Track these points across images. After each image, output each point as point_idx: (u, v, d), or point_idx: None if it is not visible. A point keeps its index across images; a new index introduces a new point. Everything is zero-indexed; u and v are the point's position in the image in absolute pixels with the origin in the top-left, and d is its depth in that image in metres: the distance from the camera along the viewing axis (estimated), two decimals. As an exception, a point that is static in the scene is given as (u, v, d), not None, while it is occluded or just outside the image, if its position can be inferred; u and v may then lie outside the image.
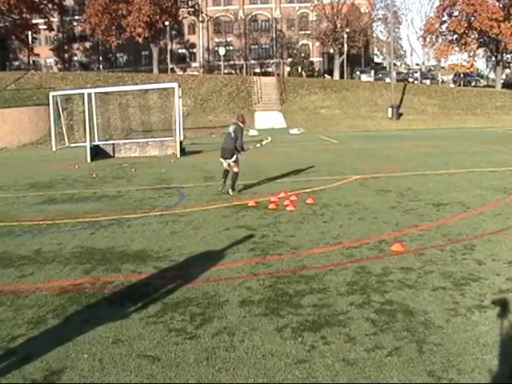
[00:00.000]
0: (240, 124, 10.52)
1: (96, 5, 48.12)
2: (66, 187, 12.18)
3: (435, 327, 3.97)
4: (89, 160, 18.45)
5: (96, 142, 20.58)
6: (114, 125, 32.59)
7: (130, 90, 34.32)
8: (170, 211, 8.85)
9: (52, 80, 40.23)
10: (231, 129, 10.49)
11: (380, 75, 51.62)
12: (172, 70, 57.56)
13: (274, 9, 64.00)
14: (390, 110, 36.44)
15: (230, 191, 10.25)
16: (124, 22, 48.47)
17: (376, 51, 72.29)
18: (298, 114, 37.55)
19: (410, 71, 60.59)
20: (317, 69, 60.47)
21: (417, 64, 78.64)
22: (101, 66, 64.40)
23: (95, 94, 21.94)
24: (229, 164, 10.48)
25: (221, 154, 10.56)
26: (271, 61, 63.92)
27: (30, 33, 52.94)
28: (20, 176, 14.84)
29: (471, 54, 49.87)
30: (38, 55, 57.39)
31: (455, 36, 48.83)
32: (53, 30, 56.87)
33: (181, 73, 58.07)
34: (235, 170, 10.38)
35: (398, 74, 52.62)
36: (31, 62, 56.78)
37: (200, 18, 57.48)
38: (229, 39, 63.42)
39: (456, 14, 48.55)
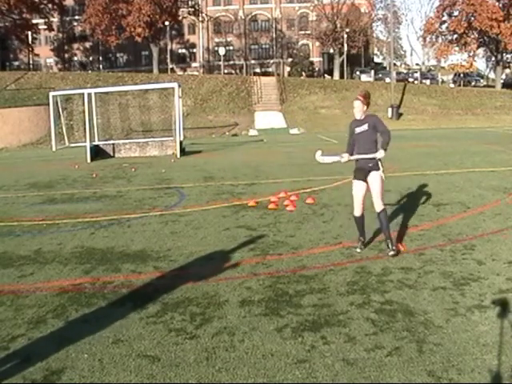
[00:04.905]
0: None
1: (96, 5, 48.21)
2: (66, 187, 12.18)
3: (435, 327, 3.97)
4: (89, 160, 18.46)
5: (96, 142, 20.59)
6: (113, 125, 32.62)
7: (129, 90, 34.38)
8: (170, 211, 8.85)
9: (52, 80, 40.27)
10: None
11: (380, 75, 51.68)
12: (172, 69, 57.61)
13: (273, 9, 64.06)
14: (389, 109, 36.48)
15: (393, 249, 5.74)
16: (124, 21, 48.55)
17: (376, 51, 72.33)
18: (298, 114, 37.58)
19: (410, 71, 60.70)
20: (317, 69, 60.51)
21: (417, 64, 78.75)
22: (101, 66, 64.42)
23: (95, 93, 21.95)
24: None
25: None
26: (271, 61, 63.94)
27: (30, 33, 53.01)
28: (20, 176, 14.83)
29: (471, 54, 49.90)
30: (37, 55, 57.45)
31: (455, 36, 48.87)
32: (53, 30, 57.00)
33: (181, 73, 58.10)
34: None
35: (398, 74, 52.69)
36: (31, 62, 56.80)
37: (200, 18, 57.62)
38: (229, 39, 63.47)
39: (456, 13, 48.63)
